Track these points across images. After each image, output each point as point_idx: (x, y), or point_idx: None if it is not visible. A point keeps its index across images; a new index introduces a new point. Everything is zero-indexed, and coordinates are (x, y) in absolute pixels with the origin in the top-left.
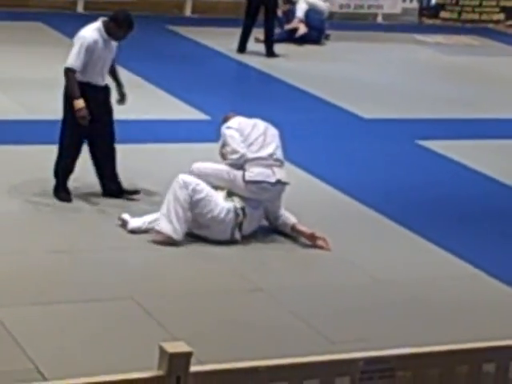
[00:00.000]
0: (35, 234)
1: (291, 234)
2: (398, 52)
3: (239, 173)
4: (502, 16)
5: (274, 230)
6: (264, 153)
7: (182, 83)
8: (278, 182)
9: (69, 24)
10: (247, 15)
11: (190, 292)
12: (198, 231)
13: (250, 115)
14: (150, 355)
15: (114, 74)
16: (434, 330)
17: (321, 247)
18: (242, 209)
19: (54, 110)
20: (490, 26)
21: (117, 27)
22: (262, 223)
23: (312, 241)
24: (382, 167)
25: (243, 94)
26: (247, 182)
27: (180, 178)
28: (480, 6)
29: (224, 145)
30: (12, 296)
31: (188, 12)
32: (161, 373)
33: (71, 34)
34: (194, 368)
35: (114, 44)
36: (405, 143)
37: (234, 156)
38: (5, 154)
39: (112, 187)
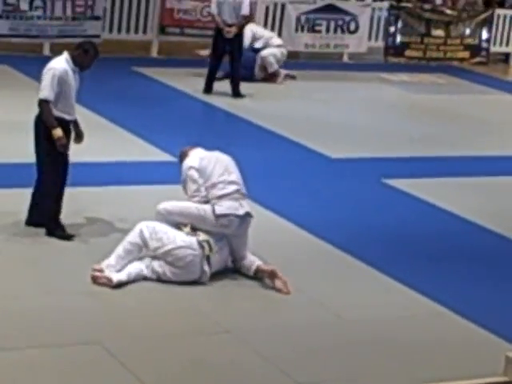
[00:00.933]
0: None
1: (255, 276)
2: (364, 91)
3: (208, 207)
4: (466, 54)
5: (237, 270)
6: (230, 189)
7: (148, 125)
8: (247, 214)
9: (35, 67)
10: (213, 56)
11: (156, 335)
12: (170, 275)
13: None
14: None
15: None
16: (400, 369)
17: (279, 290)
18: (207, 241)
19: (20, 153)
20: (455, 63)
21: (84, 54)
22: (228, 265)
23: (271, 279)
24: (348, 206)
25: (209, 134)
26: (218, 216)
27: (138, 227)
28: (445, 44)
29: (185, 185)
30: None
31: (154, 53)
32: None
33: (38, 76)
34: None
35: (78, 76)
36: (371, 182)
37: (195, 199)
38: None
39: (36, 219)
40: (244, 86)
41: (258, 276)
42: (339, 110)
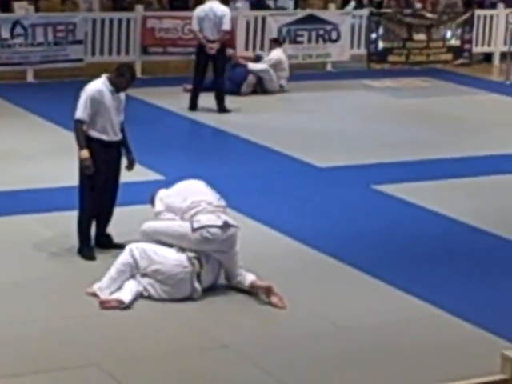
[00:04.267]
0: None
1: (250, 291)
2: (349, 98)
3: (187, 224)
4: (449, 56)
5: (232, 287)
6: (201, 206)
7: (135, 144)
8: (226, 223)
9: (19, 94)
10: (196, 73)
11: (153, 353)
12: (161, 293)
13: (204, 172)
14: None
15: (122, 137)
16: (399, 373)
17: (275, 305)
18: (197, 258)
19: (9, 182)
20: (439, 66)
21: (119, 76)
22: (221, 281)
23: (268, 295)
24: (338, 214)
25: (197, 151)
26: (195, 230)
27: (127, 248)
28: (427, 47)
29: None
30: None
31: (138, 73)
32: None
33: (22, 103)
34: None
35: (122, 98)
36: (360, 189)
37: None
38: None
39: (103, 240)
40: (230, 100)
41: (252, 291)
42: (325, 119)
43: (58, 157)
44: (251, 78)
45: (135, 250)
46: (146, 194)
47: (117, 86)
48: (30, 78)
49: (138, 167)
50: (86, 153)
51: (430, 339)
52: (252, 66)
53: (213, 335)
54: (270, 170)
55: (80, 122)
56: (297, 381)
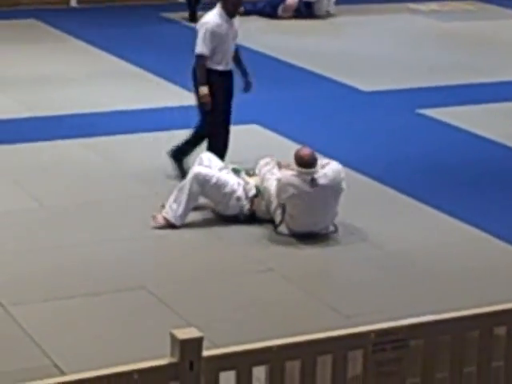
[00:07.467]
0: (46, 230)
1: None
2: (394, 22)
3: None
4: None
5: None
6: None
7: (181, 69)
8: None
9: (63, 19)
10: None
11: (200, 277)
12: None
13: (248, 96)
14: (164, 344)
15: (238, 61)
16: (446, 297)
17: None
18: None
19: (54, 107)
20: None
21: (225, 3)
22: None
23: None
24: (384, 138)
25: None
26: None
27: (193, 171)
28: None
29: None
30: (26, 294)
31: None
32: (173, 360)
33: (66, 28)
34: (206, 352)
35: (236, 25)
36: (406, 113)
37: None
38: (15, 152)
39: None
40: (271, 23)
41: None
42: (370, 43)
43: (102, 81)
44: (290, 2)
45: (201, 176)
46: (194, 119)
47: (228, 12)
48: (73, 3)
49: (187, 93)
50: (205, 89)
51: (477, 262)
52: None
53: (258, 258)
54: (315, 94)
55: (202, 57)
56: (342, 303)
